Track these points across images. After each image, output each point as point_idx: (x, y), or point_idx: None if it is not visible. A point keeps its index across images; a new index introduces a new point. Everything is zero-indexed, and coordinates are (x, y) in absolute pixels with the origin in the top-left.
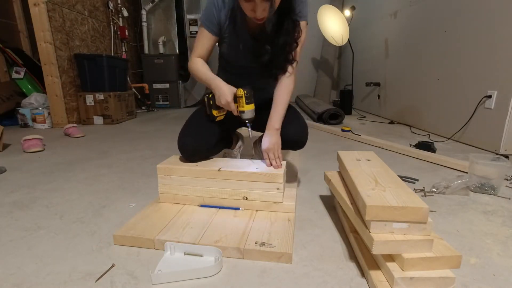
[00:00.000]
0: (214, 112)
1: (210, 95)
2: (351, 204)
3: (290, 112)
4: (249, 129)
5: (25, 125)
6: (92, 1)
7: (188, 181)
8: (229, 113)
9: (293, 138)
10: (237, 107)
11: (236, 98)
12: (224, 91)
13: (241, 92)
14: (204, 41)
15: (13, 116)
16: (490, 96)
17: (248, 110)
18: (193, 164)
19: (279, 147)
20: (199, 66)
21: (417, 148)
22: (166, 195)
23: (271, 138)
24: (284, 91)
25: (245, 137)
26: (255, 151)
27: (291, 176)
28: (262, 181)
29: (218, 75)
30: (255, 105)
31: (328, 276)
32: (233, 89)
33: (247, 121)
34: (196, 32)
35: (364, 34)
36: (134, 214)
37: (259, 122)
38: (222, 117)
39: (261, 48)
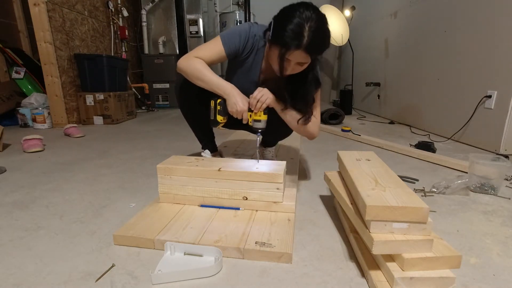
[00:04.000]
0: (219, 118)
1: (219, 101)
2: (351, 204)
3: (281, 124)
4: (259, 138)
5: (25, 125)
6: (92, 1)
7: (188, 181)
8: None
9: (270, 139)
10: (250, 116)
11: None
12: (240, 99)
13: None
14: (213, 52)
15: (13, 116)
16: (490, 96)
17: (264, 120)
18: (193, 164)
19: (266, 97)
20: (203, 67)
21: (417, 148)
22: (166, 195)
23: (266, 90)
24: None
25: (243, 139)
26: (259, 155)
27: (291, 176)
28: (262, 181)
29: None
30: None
31: (328, 276)
32: (246, 97)
33: (259, 130)
34: (196, 32)
35: (364, 34)
36: (134, 214)
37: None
38: (223, 124)
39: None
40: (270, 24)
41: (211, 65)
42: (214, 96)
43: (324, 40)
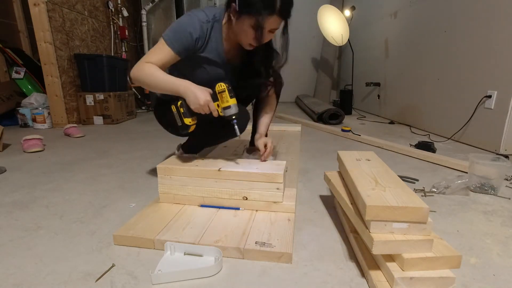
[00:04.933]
0: (187, 121)
1: (180, 102)
2: (351, 204)
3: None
4: (235, 126)
5: (25, 125)
6: (92, 1)
7: (188, 181)
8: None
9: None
10: (218, 106)
11: (215, 96)
12: (199, 92)
13: (222, 86)
14: (162, 55)
15: (13, 116)
16: (490, 96)
17: (233, 104)
18: (193, 164)
19: (272, 145)
20: (154, 69)
21: (417, 148)
22: (166, 195)
23: (265, 139)
24: (268, 109)
25: (243, 139)
26: (246, 156)
27: (291, 176)
28: (262, 181)
29: None
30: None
31: (328, 276)
32: (206, 88)
33: (233, 117)
34: None
35: (364, 34)
36: (134, 214)
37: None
38: (194, 126)
39: (238, 74)
40: None
41: (164, 68)
42: (174, 100)
43: (292, 1)
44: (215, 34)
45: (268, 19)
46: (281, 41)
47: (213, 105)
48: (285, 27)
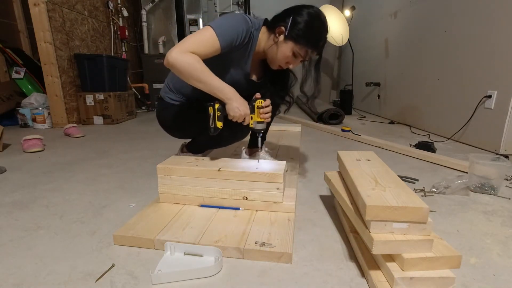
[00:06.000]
0: (219, 124)
1: (217, 106)
2: (351, 204)
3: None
4: (259, 138)
5: (25, 125)
6: (92, 1)
7: (188, 181)
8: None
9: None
10: (251, 119)
11: (250, 108)
12: (241, 103)
13: (262, 103)
14: (208, 47)
15: (13, 116)
16: (490, 96)
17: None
18: (193, 164)
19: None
20: (203, 67)
21: (417, 148)
22: (166, 195)
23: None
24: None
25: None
26: (245, 158)
27: (291, 176)
28: (262, 181)
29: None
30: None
31: (328, 276)
32: (245, 100)
33: (262, 131)
34: None
35: (364, 34)
36: (134, 214)
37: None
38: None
39: (252, 86)
40: (281, 18)
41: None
42: (209, 100)
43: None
44: (253, 42)
45: (310, 52)
46: (314, 74)
47: (249, 119)
48: (319, 62)
